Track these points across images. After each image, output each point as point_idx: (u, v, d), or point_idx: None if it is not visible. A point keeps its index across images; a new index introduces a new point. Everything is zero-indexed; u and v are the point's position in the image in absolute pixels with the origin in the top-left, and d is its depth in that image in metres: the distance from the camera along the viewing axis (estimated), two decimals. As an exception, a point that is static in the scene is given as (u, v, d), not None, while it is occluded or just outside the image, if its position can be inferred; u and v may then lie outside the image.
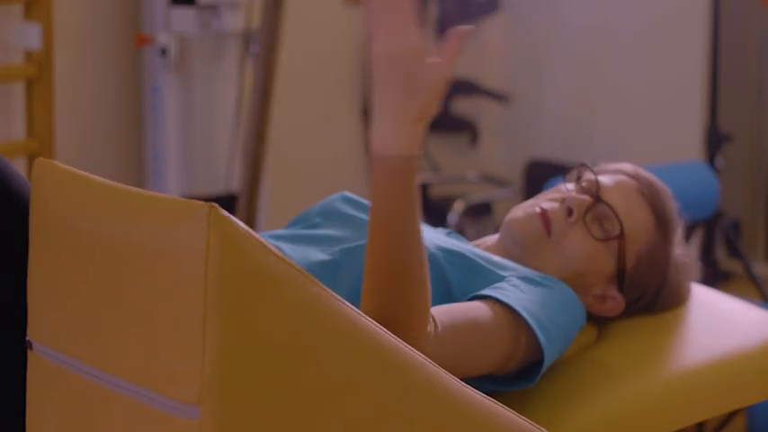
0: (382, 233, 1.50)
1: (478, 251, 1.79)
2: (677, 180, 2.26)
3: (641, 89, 4.34)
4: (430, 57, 1.47)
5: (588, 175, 1.86)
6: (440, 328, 1.54)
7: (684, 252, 1.90)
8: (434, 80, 1.47)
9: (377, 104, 1.48)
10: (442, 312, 1.57)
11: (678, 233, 1.89)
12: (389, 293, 1.49)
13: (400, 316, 1.48)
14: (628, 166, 1.91)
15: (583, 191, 1.84)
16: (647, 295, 1.86)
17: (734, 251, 3.85)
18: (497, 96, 4.60)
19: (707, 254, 3.61)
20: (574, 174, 1.89)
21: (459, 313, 1.60)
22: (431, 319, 1.53)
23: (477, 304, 1.63)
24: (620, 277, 1.82)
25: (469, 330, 1.60)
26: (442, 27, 4.52)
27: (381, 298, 1.49)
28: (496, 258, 1.77)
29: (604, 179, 1.86)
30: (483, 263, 1.73)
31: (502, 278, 1.72)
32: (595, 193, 1.83)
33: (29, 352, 1.53)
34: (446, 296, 1.68)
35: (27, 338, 1.52)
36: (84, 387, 1.44)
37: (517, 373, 1.70)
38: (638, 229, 1.83)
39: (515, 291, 1.68)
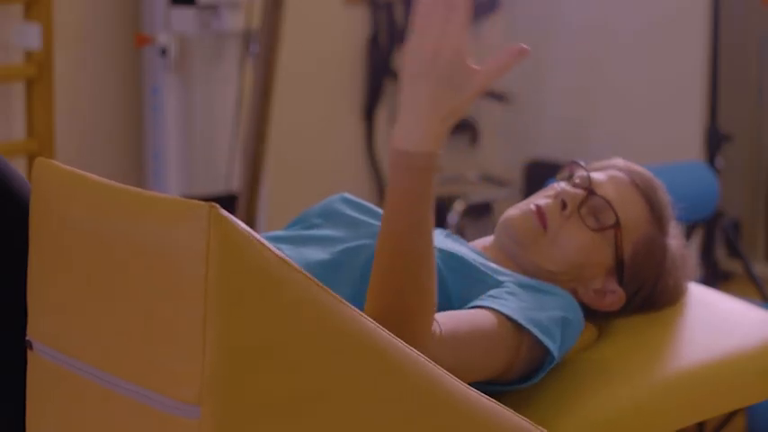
0: (396, 228, 1.50)
1: (477, 254, 1.79)
2: (677, 180, 2.26)
3: (641, 89, 4.34)
4: (474, 61, 1.47)
5: (580, 172, 1.86)
6: (442, 331, 1.54)
7: (681, 245, 1.90)
8: (474, 85, 1.48)
9: (405, 98, 1.48)
10: (445, 317, 1.58)
11: (673, 226, 1.89)
12: (398, 289, 1.49)
13: (406, 312, 1.48)
14: (619, 162, 1.91)
15: (576, 186, 1.85)
16: (645, 287, 1.86)
17: (734, 251, 3.85)
18: (497, 96, 4.60)
19: (707, 254, 3.62)
20: (566, 172, 1.89)
21: (461, 319, 1.60)
22: (435, 321, 1.53)
23: (478, 312, 1.63)
24: (619, 268, 1.82)
25: (470, 337, 1.60)
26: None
27: (389, 293, 1.49)
28: (493, 265, 1.77)
29: (597, 175, 1.86)
30: (481, 267, 1.74)
31: (499, 282, 1.72)
32: (588, 186, 1.83)
33: (29, 352, 1.53)
34: (443, 299, 1.68)
35: (27, 338, 1.52)
36: (84, 387, 1.44)
37: (518, 378, 1.70)
38: (634, 219, 1.84)
39: (514, 299, 1.68)
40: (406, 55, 1.49)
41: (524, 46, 1.50)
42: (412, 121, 1.48)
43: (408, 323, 1.48)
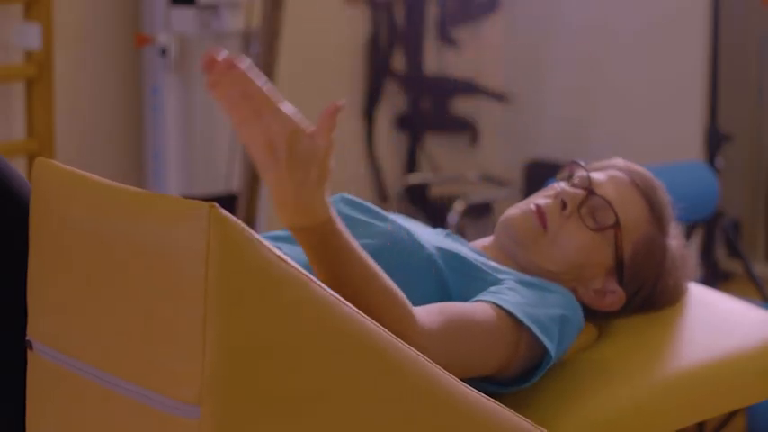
0: (325, 274, 1.48)
1: (477, 254, 1.79)
2: (677, 180, 2.26)
3: (641, 89, 4.34)
4: (306, 128, 1.45)
5: (580, 172, 1.86)
6: (430, 324, 1.54)
7: (681, 245, 1.90)
8: (321, 146, 1.44)
9: (272, 188, 1.44)
10: (437, 311, 1.57)
11: (673, 226, 1.89)
12: (354, 299, 1.48)
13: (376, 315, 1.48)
14: (619, 162, 1.91)
15: (576, 186, 1.85)
16: (645, 287, 1.86)
17: (734, 251, 3.85)
18: (497, 96, 4.60)
19: (707, 254, 3.62)
20: (566, 172, 1.90)
21: (456, 312, 1.60)
22: (417, 318, 1.52)
23: (478, 306, 1.63)
24: (619, 268, 1.82)
25: (465, 330, 1.59)
26: (443, 27, 4.52)
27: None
28: (494, 264, 1.77)
29: (597, 175, 1.86)
30: (482, 266, 1.74)
31: (500, 281, 1.72)
32: (588, 186, 1.83)
33: (29, 352, 1.53)
34: (444, 298, 1.68)
35: (27, 338, 1.52)
36: (84, 387, 1.44)
37: (516, 376, 1.70)
38: (633, 219, 1.84)
39: (513, 294, 1.68)
40: (249, 151, 1.46)
41: (339, 102, 1.46)
42: (285, 203, 1.44)
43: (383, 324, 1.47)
